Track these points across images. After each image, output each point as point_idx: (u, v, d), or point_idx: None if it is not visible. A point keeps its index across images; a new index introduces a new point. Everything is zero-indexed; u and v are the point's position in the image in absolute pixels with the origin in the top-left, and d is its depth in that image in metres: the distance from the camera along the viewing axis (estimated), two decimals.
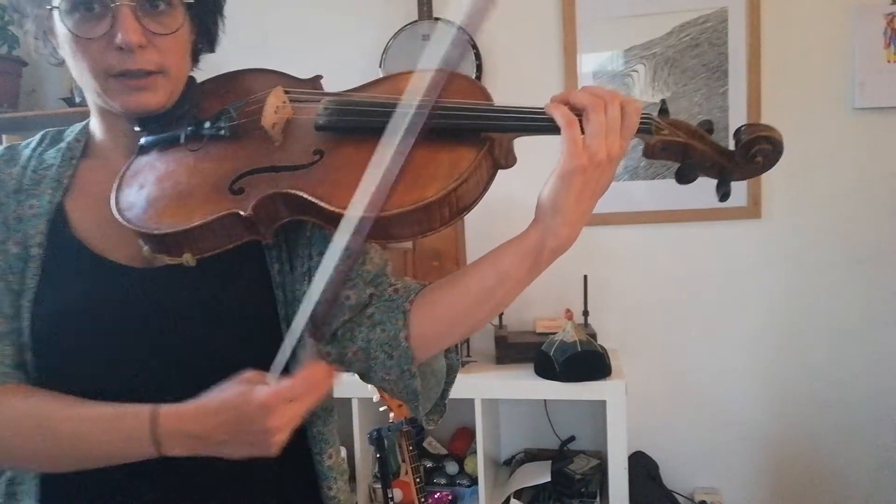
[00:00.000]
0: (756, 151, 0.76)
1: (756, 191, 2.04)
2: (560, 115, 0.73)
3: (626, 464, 1.82)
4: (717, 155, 0.78)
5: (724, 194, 0.79)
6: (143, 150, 0.84)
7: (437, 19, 2.12)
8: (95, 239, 0.83)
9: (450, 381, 0.93)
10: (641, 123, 0.76)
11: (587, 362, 1.83)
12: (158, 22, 0.79)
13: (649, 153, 0.79)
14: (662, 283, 2.11)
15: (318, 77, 0.93)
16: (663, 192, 2.08)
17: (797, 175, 2.03)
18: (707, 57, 2.04)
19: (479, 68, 2.12)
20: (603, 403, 1.82)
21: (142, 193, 0.80)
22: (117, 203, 0.79)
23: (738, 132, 0.78)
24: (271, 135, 0.81)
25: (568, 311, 2.08)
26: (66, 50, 0.79)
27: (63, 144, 0.89)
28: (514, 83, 2.16)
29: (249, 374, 0.72)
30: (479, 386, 1.92)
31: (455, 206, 0.75)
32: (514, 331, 2.14)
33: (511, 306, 2.16)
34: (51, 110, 2.32)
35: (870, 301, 2.03)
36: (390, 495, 1.91)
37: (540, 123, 0.76)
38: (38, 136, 0.91)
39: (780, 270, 2.07)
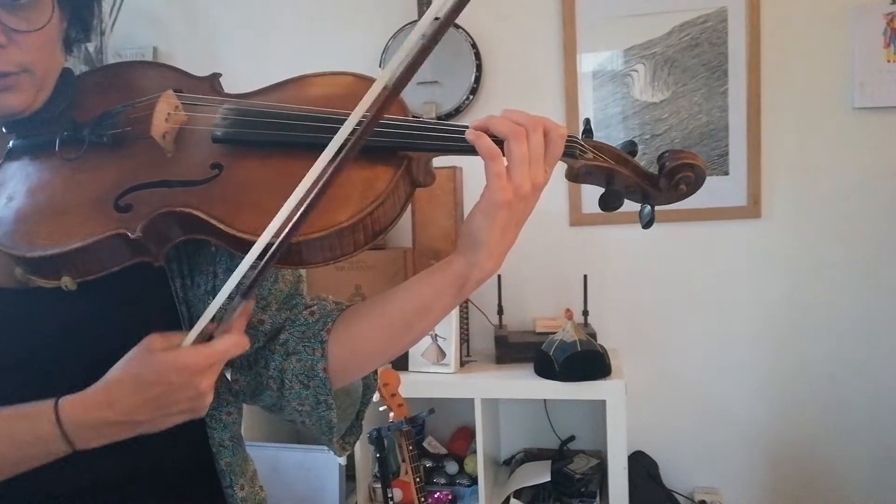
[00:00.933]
0: (680, 179, 0.72)
1: (756, 190, 2.04)
2: (482, 148, 0.68)
3: (625, 463, 1.82)
4: (640, 179, 0.74)
5: (648, 222, 0.75)
6: (12, 155, 0.74)
7: (436, 19, 2.11)
8: None
9: (366, 401, 0.89)
10: (566, 147, 0.71)
11: (587, 362, 1.83)
12: (20, 17, 0.68)
13: (572, 177, 0.75)
14: (662, 282, 2.11)
15: (217, 75, 0.82)
16: None
17: (797, 174, 2.03)
18: (707, 56, 2.04)
19: (478, 68, 2.12)
20: (603, 403, 1.82)
21: (10, 207, 0.70)
22: None
23: (661, 158, 0.74)
24: (161, 146, 0.71)
25: (568, 310, 2.08)
26: None
27: None
28: (513, 83, 2.16)
29: (154, 338, 0.65)
30: (478, 386, 1.92)
31: (370, 229, 0.69)
32: (514, 330, 2.14)
33: (511, 306, 2.18)
34: None
35: (869, 300, 2.03)
36: (390, 495, 1.91)
37: (463, 145, 0.69)
38: None
39: (779, 270, 2.07)
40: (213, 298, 0.68)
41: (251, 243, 0.63)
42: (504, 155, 0.68)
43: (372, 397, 0.90)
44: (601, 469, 2.06)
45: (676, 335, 2.14)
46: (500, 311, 2.10)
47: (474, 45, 2.11)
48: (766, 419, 2.12)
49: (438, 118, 2.12)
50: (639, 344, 2.15)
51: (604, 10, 2.08)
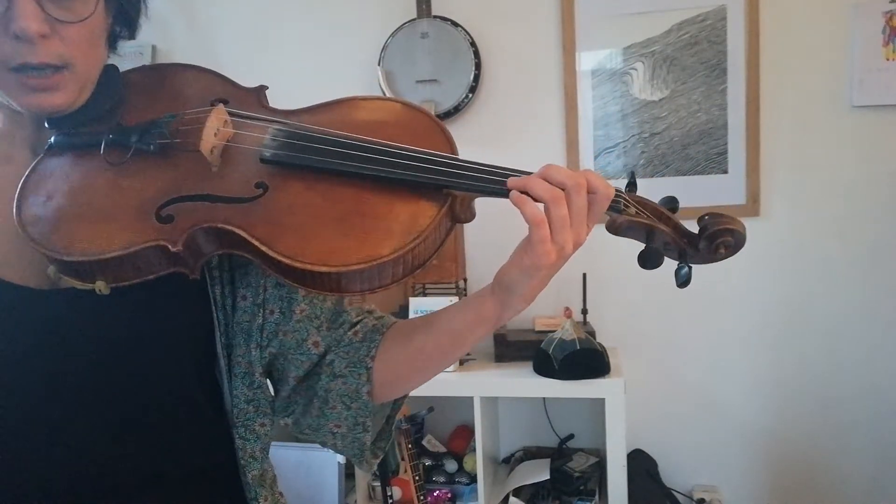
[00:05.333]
0: (720, 243, 0.73)
1: (755, 189, 2.04)
2: (527, 214, 0.66)
3: (624, 461, 1.82)
4: (679, 238, 0.75)
5: (684, 282, 0.76)
6: (53, 151, 0.73)
7: (435, 17, 2.12)
8: None
9: (397, 406, 0.91)
10: (611, 203, 0.71)
11: (586, 360, 1.83)
12: (65, 7, 0.66)
13: (613, 230, 0.74)
14: (661, 281, 2.10)
15: (263, 87, 0.82)
16: (662, 190, 2.07)
17: (796, 173, 2.03)
18: (706, 55, 2.04)
19: (477, 66, 2.12)
20: (602, 401, 1.82)
21: (49, 206, 0.69)
22: (20, 213, 0.68)
23: (702, 220, 0.74)
24: (208, 160, 0.71)
25: (567, 309, 2.09)
26: None
27: None
28: (512, 81, 2.16)
29: None
30: (478, 384, 1.92)
31: (410, 263, 0.69)
32: (514, 329, 2.14)
33: None
34: None
35: (868, 298, 2.03)
36: (389, 493, 1.91)
37: (506, 192, 0.69)
38: None
39: (778, 268, 2.07)
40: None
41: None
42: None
43: (403, 401, 0.92)
44: (600, 467, 2.06)
45: (675, 333, 2.14)
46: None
47: (473, 44, 2.11)
48: (765, 417, 2.12)
49: (438, 116, 2.12)
50: (638, 342, 2.15)
51: (603, 8, 2.08)
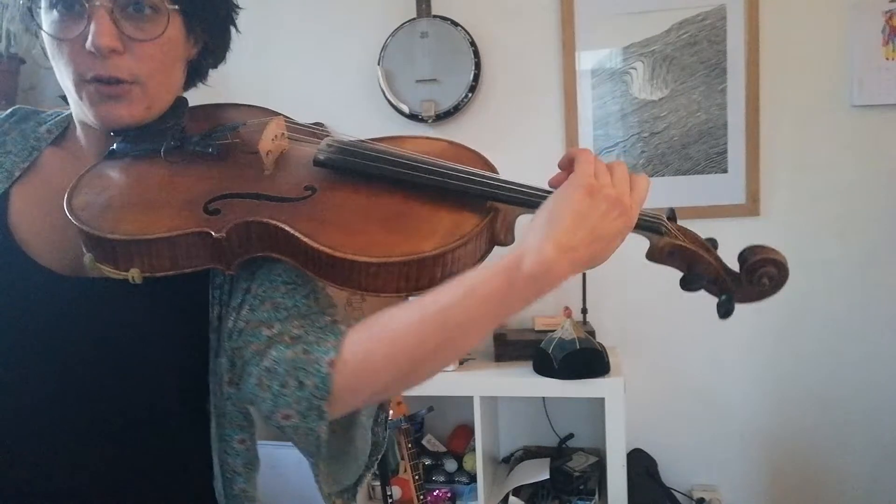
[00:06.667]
0: (762, 273, 0.75)
1: (754, 188, 2.04)
2: (573, 151, 0.72)
3: (624, 461, 1.83)
4: (721, 270, 0.77)
5: (725, 312, 0.78)
6: (114, 155, 0.76)
7: (435, 17, 2.12)
8: (30, 236, 0.75)
9: (370, 464, 0.81)
10: (652, 221, 0.74)
11: (586, 360, 1.83)
12: (138, 27, 0.71)
13: (655, 255, 0.77)
14: (661, 280, 2.10)
15: (321, 124, 0.86)
16: (661, 189, 2.08)
17: (795, 172, 2.03)
18: (706, 54, 2.04)
19: (477, 66, 2.12)
20: (601, 401, 1.82)
21: (102, 196, 0.71)
22: (71, 200, 0.71)
23: (742, 254, 0.77)
24: (263, 162, 0.74)
25: (567, 308, 2.09)
26: (48, 50, 0.74)
27: (30, 132, 0.82)
28: (512, 81, 2.16)
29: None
30: (477, 383, 1.92)
31: (448, 268, 0.69)
32: (513, 328, 2.14)
33: None
34: (48, 108, 2.31)
35: (868, 297, 2.03)
36: (389, 493, 1.91)
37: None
38: (8, 111, 0.85)
39: None
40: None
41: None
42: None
43: (378, 459, 0.81)
44: (600, 467, 2.06)
45: (675, 333, 2.14)
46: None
47: (473, 43, 2.11)
48: (765, 416, 2.12)
49: (437, 116, 2.12)
50: (637, 342, 2.15)
51: (602, 7, 2.08)
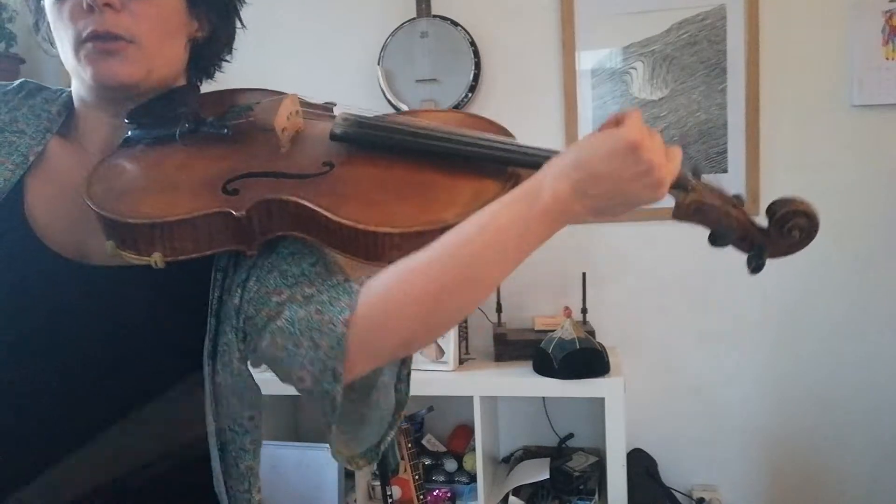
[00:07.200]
0: (793, 225, 0.73)
1: (754, 188, 2.04)
2: (624, 110, 0.68)
3: (624, 461, 1.82)
4: (749, 224, 0.75)
5: (756, 267, 0.76)
6: (129, 142, 0.76)
7: (435, 16, 2.11)
8: (48, 228, 0.75)
9: (393, 423, 0.79)
10: (678, 177, 0.71)
11: (586, 360, 1.83)
12: None
13: (681, 213, 0.74)
14: (661, 280, 2.11)
15: (332, 103, 0.86)
16: None
17: (795, 172, 2.03)
18: (706, 54, 2.04)
19: (477, 65, 2.12)
20: (601, 401, 1.82)
21: (119, 182, 0.71)
22: (89, 188, 0.70)
23: (771, 207, 0.75)
24: (280, 139, 0.74)
25: (566, 308, 2.09)
26: (51, 22, 0.75)
27: (41, 110, 0.82)
28: (512, 80, 2.16)
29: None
30: (477, 383, 1.92)
31: None
32: (513, 328, 2.14)
33: (509, 304, 2.17)
34: None
35: (867, 297, 2.03)
36: (389, 493, 1.91)
37: None
38: (16, 84, 0.84)
39: (777, 267, 2.06)
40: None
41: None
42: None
43: (400, 419, 0.79)
44: (600, 466, 2.06)
45: (675, 333, 2.14)
46: (499, 309, 2.10)
47: (473, 43, 2.11)
48: (765, 416, 2.12)
49: None
50: (637, 342, 2.15)
51: (602, 7, 2.08)
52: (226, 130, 0.75)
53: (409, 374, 0.80)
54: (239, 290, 0.73)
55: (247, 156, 0.74)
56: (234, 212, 0.67)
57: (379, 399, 0.76)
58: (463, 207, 0.67)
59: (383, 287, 0.67)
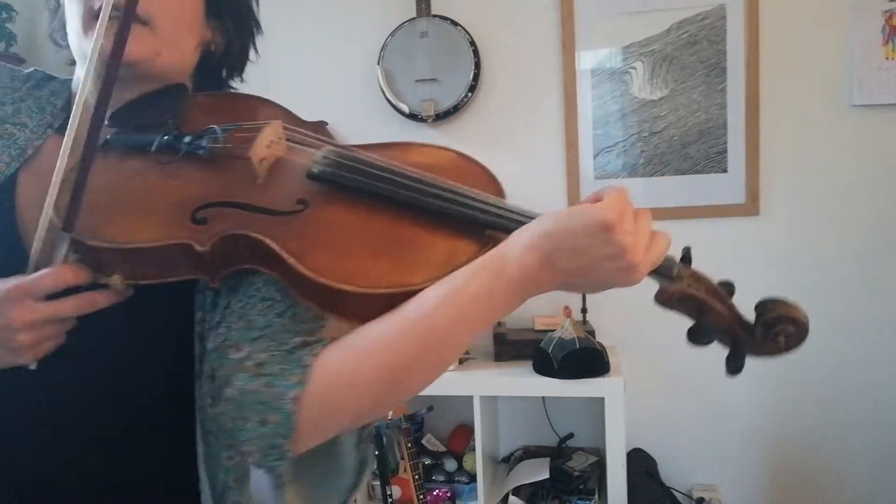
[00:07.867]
0: (779, 331, 0.68)
1: (754, 187, 2.04)
2: (606, 187, 0.64)
3: (624, 461, 1.83)
4: (734, 321, 0.70)
5: (735, 368, 0.70)
6: (106, 147, 0.73)
7: (435, 16, 2.12)
8: (32, 225, 0.70)
9: (357, 483, 0.76)
10: (664, 262, 0.67)
11: (586, 359, 1.83)
12: None
13: (664, 300, 0.70)
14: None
15: (324, 122, 0.82)
16: (661, 189, 2.08)
17: (795, 172, 2.03)
18: (705, 54, 2.04)
19: (476, 66, 2.12)
20: (601, 400, 1.82)
21: (88, 195, 0.68)
22: (55, 198, 0.67)
23: (760, 306, 0.69)
24: (256, 170, 0.71)
25: (566, 308, 2.09)
26: (64, 6, 0.73)
27: (46, 103, 0.79)
28: (512, 80, 2.16)
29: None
30: (477, 383, 1.92)
31: None
32: (513, 328, 2.14)
33: None
34: None
35: (868, 297, 2.03)
36: (389, 492, 1.91)
37: None
38: (27, 72, 0.82)
39: (778, 267, 2.07)
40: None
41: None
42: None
43: (366, 475, 0.76)
44: (600, 466, 2.06)
45: (675, 332, 2.12)
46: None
47: (473, 43, 2.11)
48: (765, 416, 2.12)
49: (437, 116, 2.12)
50: (637, 341, 2.15)
51: (602, 7, 2.08)
52: (201, 151, 0.72)
53: (369, 434, 0.79)
54: (212, 332, 0.70)
55: (221, 181, 0.71)
56: (196, 246, 0.65)
57: (337, 454, 0.74)
58: (433, 271, 0.64)
59: (338, 363, 0.65)
